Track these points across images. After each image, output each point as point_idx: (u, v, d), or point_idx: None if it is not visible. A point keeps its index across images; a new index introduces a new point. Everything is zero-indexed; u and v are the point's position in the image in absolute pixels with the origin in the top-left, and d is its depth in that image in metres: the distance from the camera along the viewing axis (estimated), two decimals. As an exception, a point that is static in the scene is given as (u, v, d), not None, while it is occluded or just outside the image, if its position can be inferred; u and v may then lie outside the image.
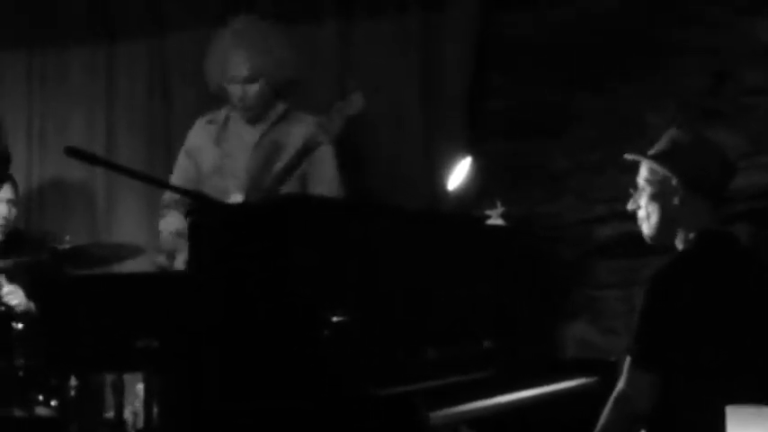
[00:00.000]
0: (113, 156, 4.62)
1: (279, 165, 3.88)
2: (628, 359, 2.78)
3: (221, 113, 4.05)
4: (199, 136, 4.08)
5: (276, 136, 4.00)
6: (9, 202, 4.38)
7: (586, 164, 4.21)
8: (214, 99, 4.14)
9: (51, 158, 4.87)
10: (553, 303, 4.07)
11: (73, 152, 3.37)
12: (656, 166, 2.86)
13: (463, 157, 3.84)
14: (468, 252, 3.50)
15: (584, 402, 3.14)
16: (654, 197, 2.86)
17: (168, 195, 4.05)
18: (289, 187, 3.85)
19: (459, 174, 3.80)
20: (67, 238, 4.24)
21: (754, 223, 3.76)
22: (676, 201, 2.82)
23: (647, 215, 2.89)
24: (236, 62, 3.90)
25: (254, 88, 3.92)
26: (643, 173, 2.90)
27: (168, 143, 4.59)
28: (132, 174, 3.67)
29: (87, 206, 4.92)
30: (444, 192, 3.84)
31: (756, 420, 2.00)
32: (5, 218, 4.37)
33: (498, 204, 3.65)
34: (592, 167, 4.20)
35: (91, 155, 3.59)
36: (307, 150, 3.80)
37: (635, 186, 2.91)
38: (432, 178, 4.08)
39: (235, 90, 3.93)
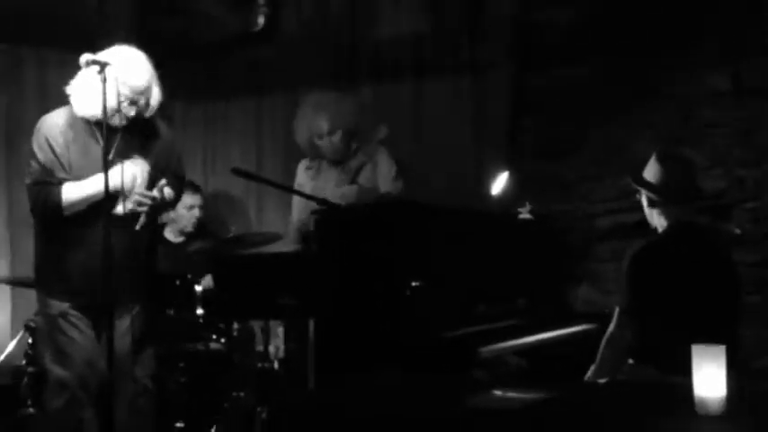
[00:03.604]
0: (262, 173, 4.55)
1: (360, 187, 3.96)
2: (617, 309, 2.85)
3: (315, 161, 4.10)
4: (301, 177, 4.14)
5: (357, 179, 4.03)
6: (200, 207, 4.50)
7: (589, 176, 4.17)
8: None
9: (219, 176, 4.91)
10: (566, 274, 3.97)
11: (237, 171, 3.54)
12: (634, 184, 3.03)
13: (503, 172, 3.82)
14: (506, 238, 3.55)
15: (588, 341, 3.10)
16: (643, 197, 2.97)
17: (294, 222, 4.04)
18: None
19: (499, 183, 3.81)
20: (232, 229, 4.52)
21: (713, 215, 3.53)
22: (653, 203, 2.92)
23: (643, 208, 2.98)
24: (319, 122, 3.95)
25: (336, 138, 3.94)
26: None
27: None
28: (275, 185, 3.82)
29: (245, 207, 4.90)
30: (489, 196, 3.79)
31: (713, 355, 1.95)
32: (198, 218, 4.50)
33: (527, 204, 3.65)
34: (593, 178, 4.16)
35: (249, 172, 3.72)
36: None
37: (634, 190, 2.99)
38: (480, 187, 3.97)
39: (324, 142, 3.97)
